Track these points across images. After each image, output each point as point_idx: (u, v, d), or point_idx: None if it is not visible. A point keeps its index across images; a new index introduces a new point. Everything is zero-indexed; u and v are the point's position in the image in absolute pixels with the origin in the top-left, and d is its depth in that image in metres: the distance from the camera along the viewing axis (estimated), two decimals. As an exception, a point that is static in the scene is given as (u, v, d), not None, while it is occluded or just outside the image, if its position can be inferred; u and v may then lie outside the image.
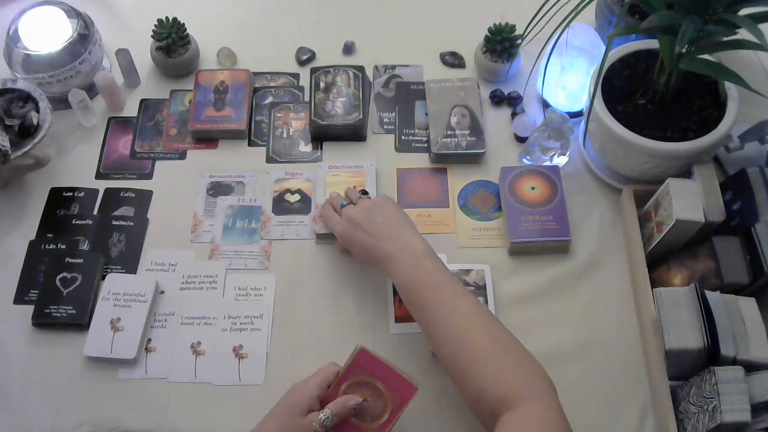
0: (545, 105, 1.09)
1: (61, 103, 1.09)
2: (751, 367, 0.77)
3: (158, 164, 1.07)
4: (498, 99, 1.11)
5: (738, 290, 0.85)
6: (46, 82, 1.06)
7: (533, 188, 0.99)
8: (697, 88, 0.95)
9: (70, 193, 1.04)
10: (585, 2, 0.81)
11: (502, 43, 1.08)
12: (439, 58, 1.16)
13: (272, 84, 1.15)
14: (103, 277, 0.95)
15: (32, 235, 1.00)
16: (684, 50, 0.86)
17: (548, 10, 0.81)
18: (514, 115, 1.09)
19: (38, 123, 0.99)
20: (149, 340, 0.92)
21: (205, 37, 1.17)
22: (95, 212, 1.02)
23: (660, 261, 0.92)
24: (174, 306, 0.94)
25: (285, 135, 1.09)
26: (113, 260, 0.98)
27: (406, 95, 1.12)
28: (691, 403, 0.79)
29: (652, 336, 0.86)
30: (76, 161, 1.07)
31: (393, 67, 1.15)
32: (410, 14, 1.22)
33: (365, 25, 1.20)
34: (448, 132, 1.05)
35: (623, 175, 0.99)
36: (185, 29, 1.13)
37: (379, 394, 0.76)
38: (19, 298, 0.95)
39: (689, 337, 0.79)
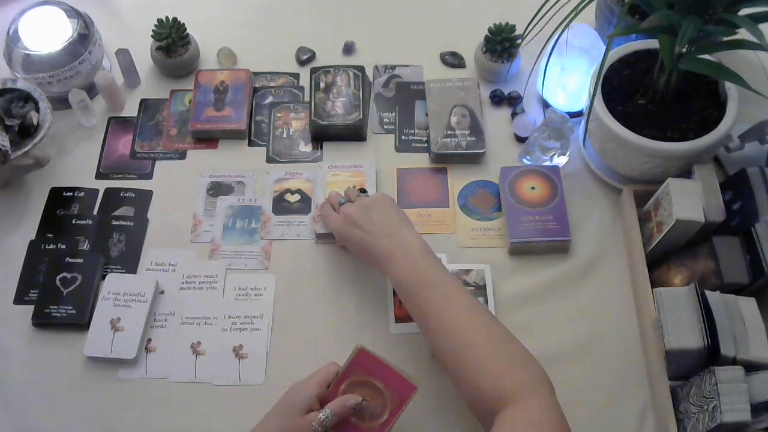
0: (545, 105, 1.09)
1: (61, 103, 1.09)
2: (751, 367, 0.77)
3: (158, 164, 1.07)
4: (498, 99, 1.11)
5: (738, 290, 0.85)
6: (46, 82, 1.06)
7: (533, 188, 0.99)
8: (697, 88, 0.95)
9: (70, 193, 1.04)
10: (585, 2, 0.81)
11: (502, 43, 1.08)
12: (439, 58, 1.16)
13: (272, 84, 1.15)
14: (103, 277, 0.95)
15: (32, 235, 1.00)
16: (684, 50, 0.86)
17: (548, 10, 0.81)
18: (514, 115, 1.09)
19: (38, 123, 0.99)
20: (149, 340, 0.92)
21: (205, 37, 1.17)
22: (95, 212, 1.02)
23: (660, 261, 0.92)
24: (174, 306, 0.94)
25: (285, 135, 1.09)
26: (113, 260, 0.98)
27: (406, 95, 1.12)
28: (691, 403, 0.79)
29: (652, 336, 0.86)
30: (76, 161, 1.07)
31: (393, 67, 1.15)
32: (410, 14, 1.22)
33: (365, 25, 1.20)
34: (448, 132, 1.05)
35: (623, 175, 0.99)
36: (185, 29, 1.13)
37: (378, 394, 0.76)
38: (19, 298, 0.95)
39: (689, 337, 0.79)
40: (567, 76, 1.04)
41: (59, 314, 0.92)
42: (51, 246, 0.99)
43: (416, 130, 1.09)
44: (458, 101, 1.08)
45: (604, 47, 0.85)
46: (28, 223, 1.01)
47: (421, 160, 1.06)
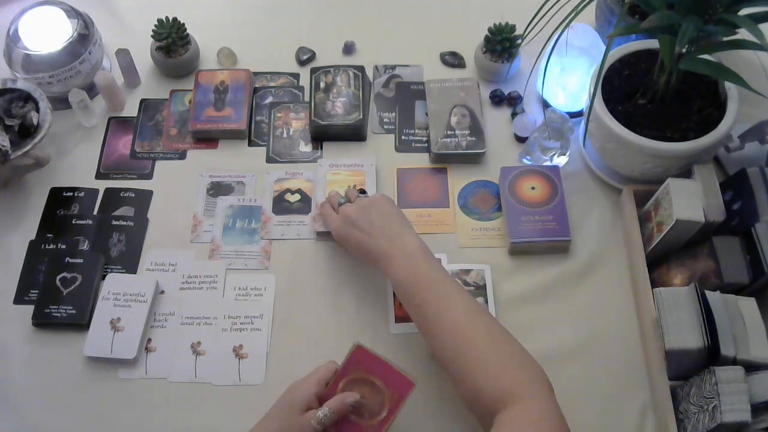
0: (545, 105, 1.09)
1: (61, 103, 1.09)
2: (751, 367, 0.77)
3: (158, 164, 1.07)
4: (498, 99, 1.11)
5: (738, 290, 0.85)
6: (46, 82, 1.06)
7: (533, 188, 0.99)
8: (697, 88, 0.95)
9: (70, 193, 1.04)
10: (585, 2, 0.81)
11: (502, 43, 1.08)
12: (439, 58, 1.17)
13: (272, 84, 1.15)
14: (103, 277, 0.96)
15: (32, 235, 1.00)
16: (684, 50, 0.86)
17: (548, 10, 0.81)
18: (514, 115, 1.09)
19: (38, 123, 0.99)
20: (149, 340, 0.92)
21: (205, 37, 1.17)
22: (95, 212, 1.03)
23: (660, 261, 0.92)
24: (174, 306, 0.94)
25: (285, 135, 1.10)
26: (113, 260, 0.98)
27: (406, 95, 1.12)
28: (691, 403, 0.79)
29: (652, 336, 0.86)
30: (76, 161, 1.07)
31: (393, 67, 1.15)
32: (410, 14, 1.22)
33: (365, 25, 1.20)
34: (448, 132, 1.05)
35: (623, 175, 0.99)
36: (185, 29, 1.13)
37: (377, 391, 0.76)
38: (19, 298, 0.95)
39: (689, 337, 0.79)
40: (567, 76, 1.04)
41: (59, 314, 0.92)
42: (51, 246, 0.99)
43: (416, 130, 1.09)
44: (458, 101, 1.08)
45: (604, 47, 0.85)
46: (28, 223, 1.01)
47: (421, 160, 1.06)
